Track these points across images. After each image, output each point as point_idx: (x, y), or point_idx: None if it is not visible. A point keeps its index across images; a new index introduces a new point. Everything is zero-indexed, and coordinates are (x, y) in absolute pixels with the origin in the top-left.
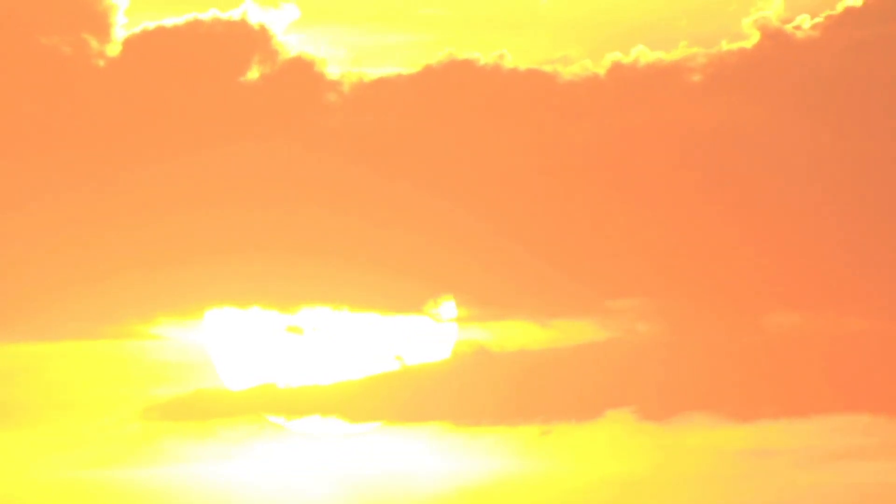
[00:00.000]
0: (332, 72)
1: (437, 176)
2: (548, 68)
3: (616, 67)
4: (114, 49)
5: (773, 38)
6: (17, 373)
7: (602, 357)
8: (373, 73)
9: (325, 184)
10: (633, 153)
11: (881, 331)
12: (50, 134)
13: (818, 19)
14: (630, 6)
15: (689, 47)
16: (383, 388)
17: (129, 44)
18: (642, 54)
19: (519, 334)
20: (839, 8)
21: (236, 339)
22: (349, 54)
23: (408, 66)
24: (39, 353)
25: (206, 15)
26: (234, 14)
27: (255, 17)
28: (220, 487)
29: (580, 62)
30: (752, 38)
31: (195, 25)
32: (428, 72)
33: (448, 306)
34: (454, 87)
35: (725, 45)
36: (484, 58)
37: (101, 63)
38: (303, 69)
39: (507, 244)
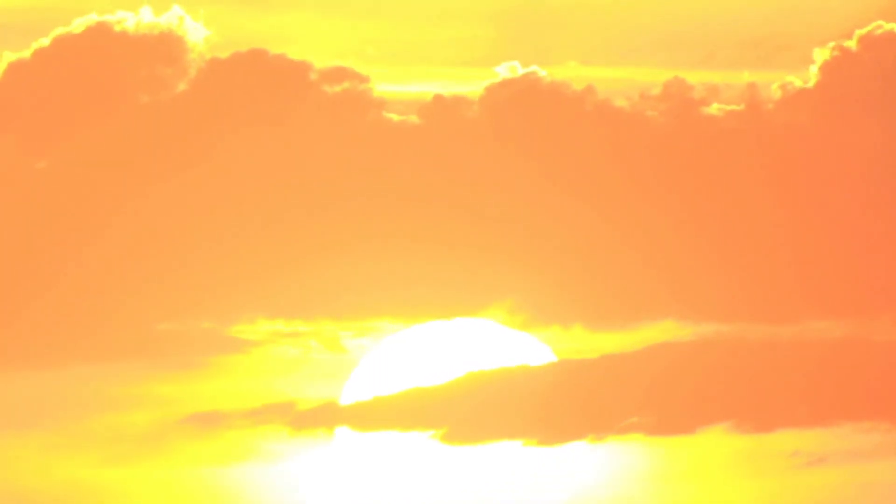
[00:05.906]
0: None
1: (489, 193)
2: (604, 89)
3: (673, 87)
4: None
5: (841, 61)
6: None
7: (632, 368)
8: (436, 89)
9: (383, 198)
10: (679, 174)
11: None
12: (173, 151)
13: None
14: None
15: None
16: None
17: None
18: (704, 75)
19: (550, 342)
20: None
21: None
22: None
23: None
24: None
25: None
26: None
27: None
28: None
29: (636, 79)
30: (819, 63)
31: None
32: (490, 90)
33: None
34: (512, 105)
35: (788, 76)
36: (549, 76)
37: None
38: (359, 94)
39: (536, 256)
